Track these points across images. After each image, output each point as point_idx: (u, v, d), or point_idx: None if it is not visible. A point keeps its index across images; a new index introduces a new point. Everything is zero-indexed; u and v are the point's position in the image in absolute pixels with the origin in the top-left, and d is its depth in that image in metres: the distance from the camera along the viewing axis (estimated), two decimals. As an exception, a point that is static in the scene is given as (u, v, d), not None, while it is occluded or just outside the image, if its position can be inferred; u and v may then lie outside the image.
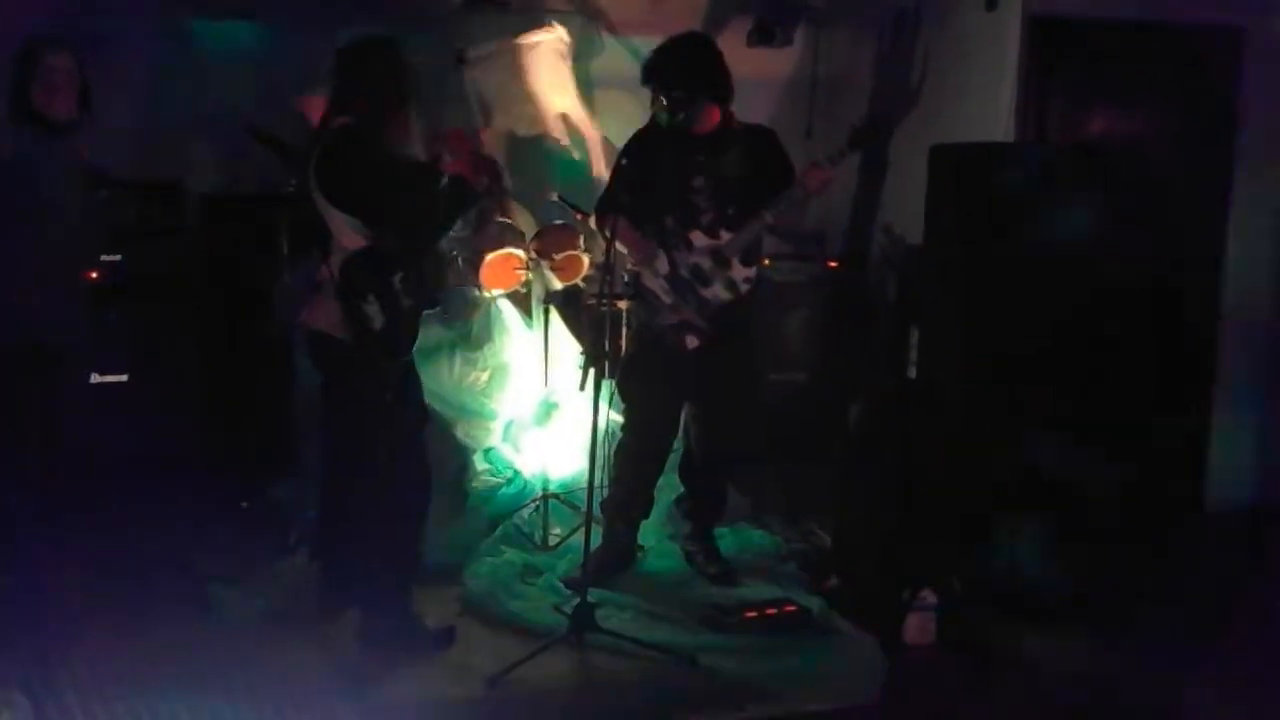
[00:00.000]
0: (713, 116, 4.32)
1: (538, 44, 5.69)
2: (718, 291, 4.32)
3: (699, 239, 4.32)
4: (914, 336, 4.87)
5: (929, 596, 4.07)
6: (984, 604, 4.14)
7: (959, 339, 4.54)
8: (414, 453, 3.91)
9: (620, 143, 4.56)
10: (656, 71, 4.27)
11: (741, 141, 4.33)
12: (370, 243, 3.63)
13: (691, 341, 4.35)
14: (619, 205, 4.22)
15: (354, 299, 3.61)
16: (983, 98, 5.22)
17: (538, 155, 5.79)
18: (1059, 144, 5.14)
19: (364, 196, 3.61)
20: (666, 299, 4.36)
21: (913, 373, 4.88)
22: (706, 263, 4.32)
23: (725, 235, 4.29)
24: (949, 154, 4.67)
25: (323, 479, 4.05)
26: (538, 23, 5.77)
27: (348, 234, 3.62)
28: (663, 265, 4.35)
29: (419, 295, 3.76)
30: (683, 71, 4.22)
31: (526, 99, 5.71)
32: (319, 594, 3.97)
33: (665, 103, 4.20)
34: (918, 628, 4.06)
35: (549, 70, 5.72)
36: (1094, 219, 4.55)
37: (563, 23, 5.85)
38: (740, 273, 4.32)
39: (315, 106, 3.88)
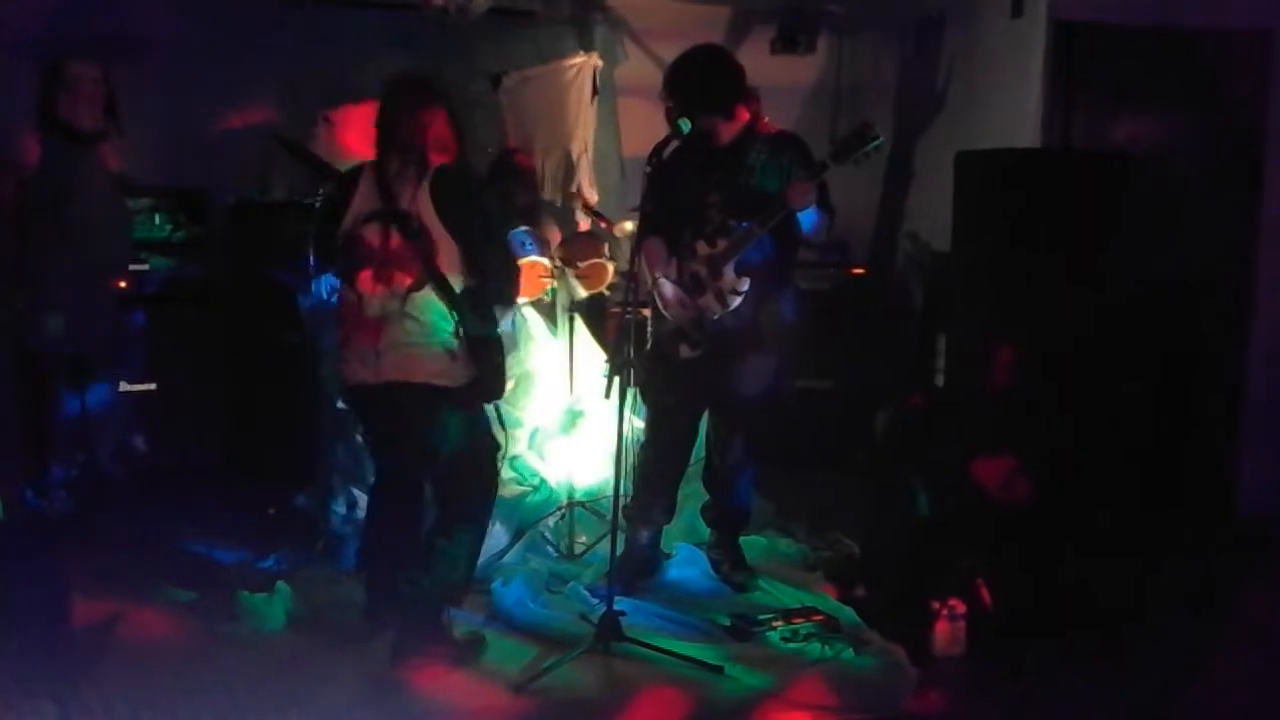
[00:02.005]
0: (734, 125, 4.31)
1: (571, 67, 5.76)
2: (709, 301, 4.30)
3: (701, 248, 4.30)
4: (941, 344, 4.85)
5: (958, 606, 4.04)
6: (1014, 614, 4.10)
7: (986, 346, 4.51)
8: (494, 475, 3.96)
9: (643, 152, 4.55)
10: (671, 86, 4.28)
11: (766, 149, 4.31)
12: (471, 278, 3.69)
13: (684, 350, 4.34)
14: (648, 217, 4.23)
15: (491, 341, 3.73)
16: (1008, 104, 5.20)
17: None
18: (1085, 150, 5.11)
19: (483, 234, 3.72)
20: (658, 303, 4.35)
21: (940, 380, 4.86)
22: (703, 270, 4.30)
23: (721, 244, 4.27)
24: (975, 160, 4.65)
25: (387, 502, 3.97)
26: (574, 49, 5.85)
27: (453, 264, 3.65)
28: (672, 273, 4.35)
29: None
30: (696, 85, 4.22)
31: (556, 118, 5.78)
32: (366, 611, 3.96)
33: (679, 116, 4.19)
34: (947, 638, 4.02)
35: (578, 92, 5.79)
36: (1121, 224, 4.53)
37: (591, 48, 5.98)
38: (729, 282, 4.26)
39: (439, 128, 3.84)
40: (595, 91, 5.94)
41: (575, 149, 5.95)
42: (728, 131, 4.30)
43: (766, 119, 4.38)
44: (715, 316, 4.28)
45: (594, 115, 6.00)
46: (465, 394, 3.72)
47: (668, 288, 4.30)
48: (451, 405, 3.70)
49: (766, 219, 4.16)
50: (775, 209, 4.14)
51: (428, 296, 3.62)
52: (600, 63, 5.94)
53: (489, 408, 3.92)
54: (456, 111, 3.79)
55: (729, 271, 4.25)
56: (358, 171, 3.77)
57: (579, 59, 5.86)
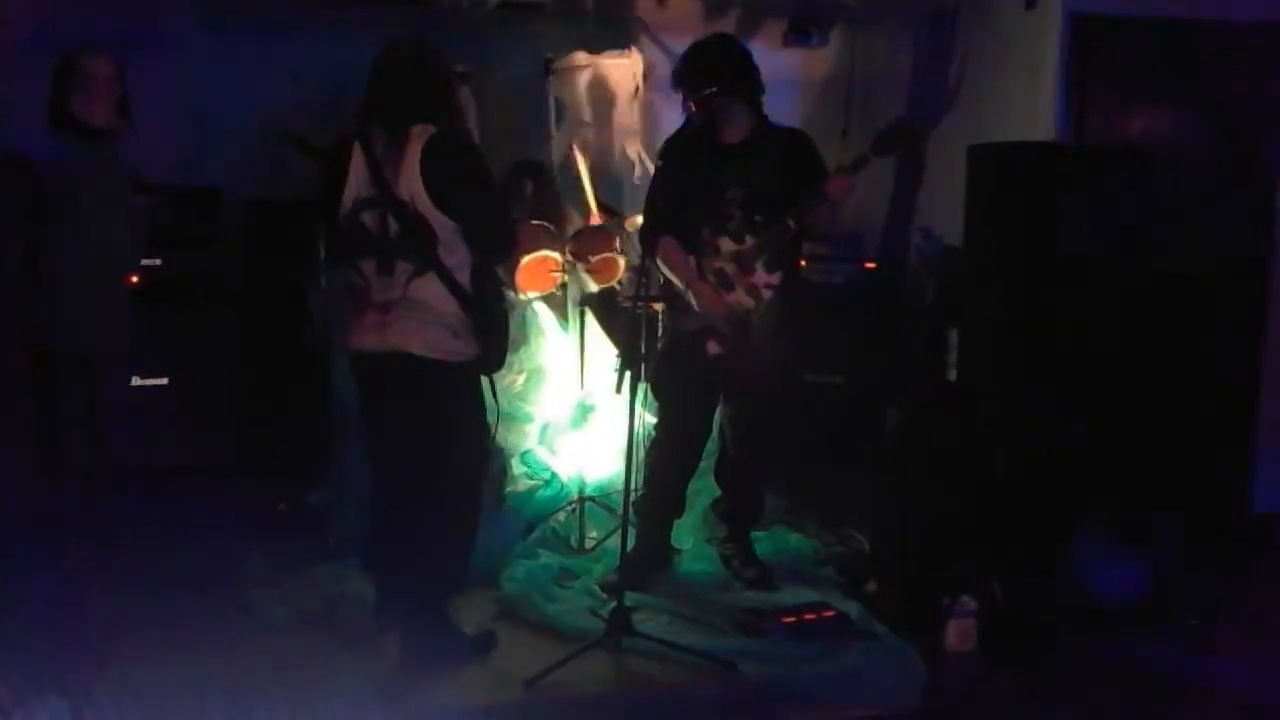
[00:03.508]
0: (746, 122, 4.30)
1: (619, 64, 5.75)
2: (740, 297, 4.30)
3: (725, 244, 4.30)
4: (953, 338, 4.83)
5: (969, 602, 4.03)
6: (1026, 609, 4.09)
7: (998, 341, 4.50)
8: (486, 463, 3.97)
9: (654, 145, 4.55)
10: (685, 73, 4.27)
11: (775, 146, 4.31)
12: (474, 251, 3.66)
13: (713, 347, 4.33)
14: (660, 211, 4.22)
15: (498, 312, 3.71)
16: (1022, 97, 5.16)
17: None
18: (1099, 143, 5.08)
19: (480, 199, 3.67)
20: (692, 304, 4.34)
21: (952, 375, 4.84)
22: (730, 268, 4.30)
23: (750, 241, 4.27)
24: (988, 154, 4.62)
25: (385, 492, 3.95)
26: (620, 46, 5.84)
27: (452, 243, 3.63)
28: (693, 271, 4.34)
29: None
30: (711, 71, 4.21)
31: (595, 112, 5.77)
32: (375, 608, 3.95)
33: (695, 103, 4.18)
34: (958, 634, 4.02)
35: (625, 88, 5.78)
36: (1135, 219, 4.50)
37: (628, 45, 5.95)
38: (762, 278, 4.29)
39: None
40: (638, 90, 5.91)
41: (627, 143, 5.93)
42: (739, 130, 4.29)
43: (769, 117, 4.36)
44: (745, 311, 4.28)
45: (637, 113, 5.97)
46: (467, 369, 3.72)
47: (704, 289, 4.29)
48: (451, 381, 3.70)
49: (804, 213, 4.16)
50: (814, 202, 4.13)
51: (431, 281, 3.62)
52: (643, 63, 5.90)
53: (490, 400, 3.90)
54: (442, 78, 3.73)
55: (760, 267, 4.26)
56: (348, 145, 3.69)
57: (627, 57, 5.83)
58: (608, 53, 5.79)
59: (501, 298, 3.88)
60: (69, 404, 3.92)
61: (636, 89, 5.88)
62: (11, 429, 3.97)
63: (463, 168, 3.63)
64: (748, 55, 4.33)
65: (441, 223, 3.59)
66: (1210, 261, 5.14)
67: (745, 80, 4.28)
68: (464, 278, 3.66)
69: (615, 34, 6.10)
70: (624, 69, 5.79)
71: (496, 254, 3.79)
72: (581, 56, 5.78)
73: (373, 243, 3.64)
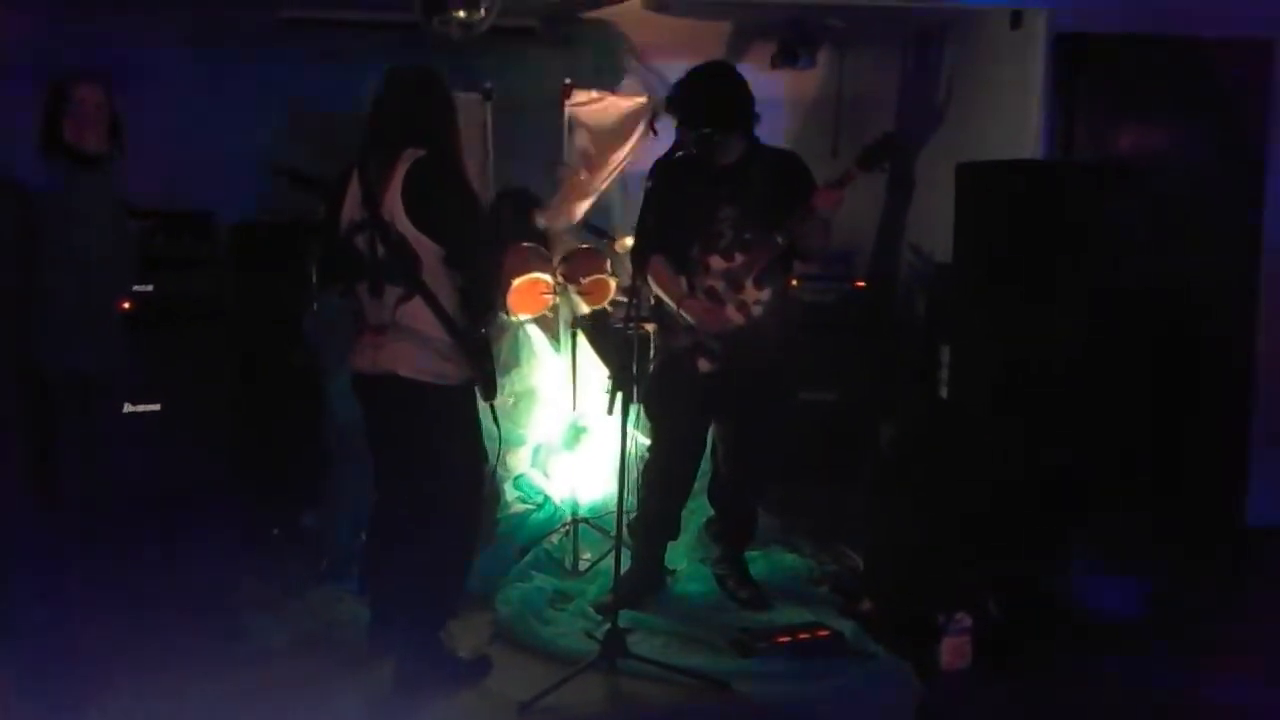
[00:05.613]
0: (740, 142, 4.32)
1: (631, 104, 5.76)
2: (730, 314, 4.31)
3: (715, 262, 4.31)
4: (944, 356, 4.84)
5: (964, 619, 4.03)
6: (1021, 625, 4.09)
7: (990, 358, 4.51)
8: (482, 485, 3.96)
9: (643, 167, 4.56)
10: (683, 104, 4.27)
11: (766, 166, 4.32)
12: (462, 276, 3.66)
13: (704, 364, 4.34)
14: (650, 231, 4.23)
15: (479, 341, 3.70)
16: (1009, 115, 5.20)
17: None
18: (1086, 160, 5.11)
19: (459, 225, 3.65)
20: (682, 321, 4.35)
21: (944, 392, 4.85)
22: (720, 285, 4.31)
23: (739, 258, 4.29)
24: (976, 172, 4.65)
25: (382, 515, 3.97)
26: (637, 90, 5.87)
27: (436, 268, 3.63)
28: (683, 289, 4.35)
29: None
30: (710, 106, 4.22)
31: (616, 145, 5.78)
32: (369, 632, 3.95)
33: (693, 137, 4.20)
34: (953, 651, 4.02)
35: (630, 130, 5.79)
36: (1124, 234, 4.52)
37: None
38: (752, 295, 4.30)
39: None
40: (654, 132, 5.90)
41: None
42: (733, 151, 4.31)
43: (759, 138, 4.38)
44: (735, 328, 4.29)
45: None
46: (457, 393, 3.73)
47: (696, 305, 4.30)
48: (442, 405, 3.70)
49: (792, 226, 4.17)
50: (802, 215, 4.15)
51: (418, 306, 3.63)
52: (657, 108, 5.90)
53: (488, 423, 3.90)
54: (441, 104, 3.75)
55: (750, 283, 4.28)
56: (349, 172, 3.75)
57: (642, 98, 5.83)
58: (625, 94, 5.82)
59: (486, 325, 3.87)
60: (65, 429, 3.91)
61: (648, 130, 5.88)
62: (8, 455, 3.97)
63: (443, 190, 3.63)
64: (745, 87, 4.32)
65: (425, 246, 3.60)
66: (1199, 276, 5.17)
67: (742, 113, 4.29)
68: (450, 302, 3.67)
69: (608, 60, 6.13)
70: (634, 107, 5.80)
71: (477, 281, 3.74)
72: (595, 91, 5.81)
73: (364, 265, 3.67)
